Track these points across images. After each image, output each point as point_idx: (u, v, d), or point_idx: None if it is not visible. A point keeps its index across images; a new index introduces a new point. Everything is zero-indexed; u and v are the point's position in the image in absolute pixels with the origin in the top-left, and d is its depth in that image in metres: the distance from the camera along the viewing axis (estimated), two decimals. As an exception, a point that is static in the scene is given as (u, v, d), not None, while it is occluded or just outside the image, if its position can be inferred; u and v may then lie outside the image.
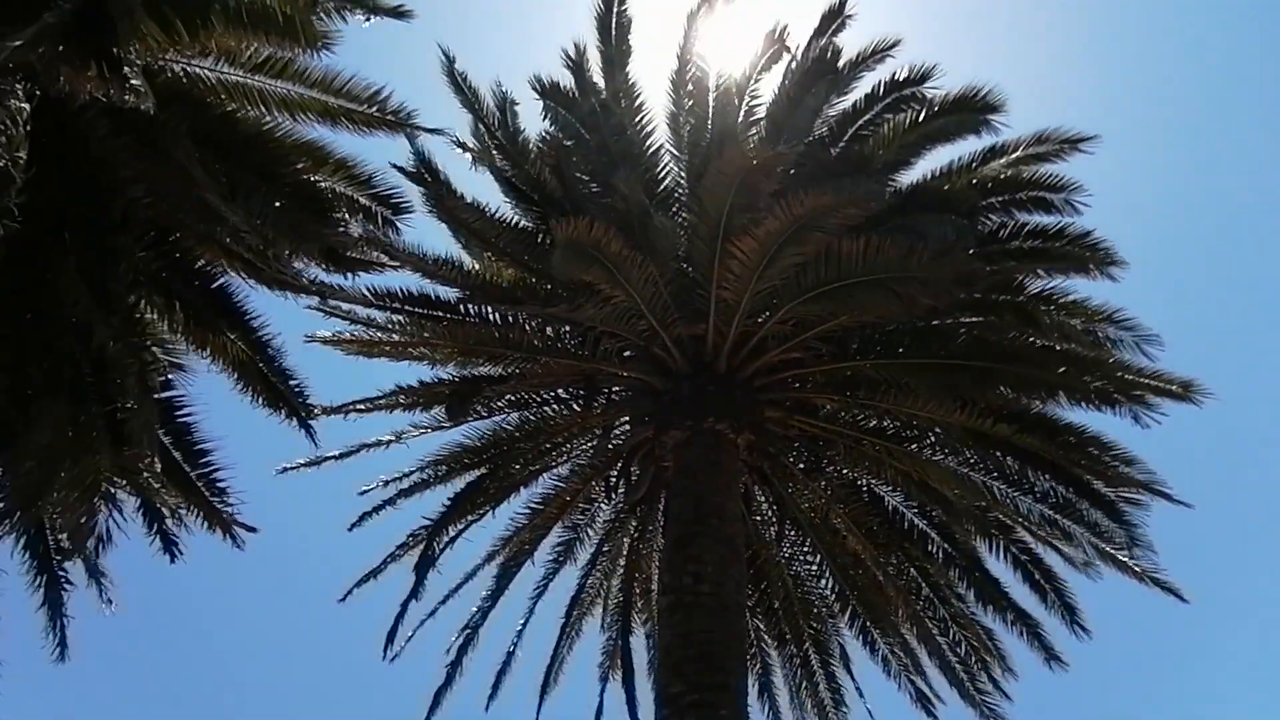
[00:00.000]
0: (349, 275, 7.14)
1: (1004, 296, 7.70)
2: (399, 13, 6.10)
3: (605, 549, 9.67)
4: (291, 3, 5.11)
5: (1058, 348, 7.68)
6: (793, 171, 7.41)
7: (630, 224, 6.84)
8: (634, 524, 9.33)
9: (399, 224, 7.33)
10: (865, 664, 9.09)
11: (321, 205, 6.43)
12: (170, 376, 6.56)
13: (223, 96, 6.31)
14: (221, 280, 6.71)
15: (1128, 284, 7.75)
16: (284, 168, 6.21)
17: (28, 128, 4.27)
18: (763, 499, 8.80)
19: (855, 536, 8.28)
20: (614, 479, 9.02)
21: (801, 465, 8.46)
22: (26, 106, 4.34)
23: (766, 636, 9.33)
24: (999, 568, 8.31)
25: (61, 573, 6.83)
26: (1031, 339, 7.72)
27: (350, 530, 8.68)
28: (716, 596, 6.74)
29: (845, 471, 8.48)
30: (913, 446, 7.94)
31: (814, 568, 8.88)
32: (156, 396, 6.06)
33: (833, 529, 8.43)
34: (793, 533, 8.80)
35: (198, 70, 6.15)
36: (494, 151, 8.02)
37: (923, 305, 7.02)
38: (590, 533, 9.58)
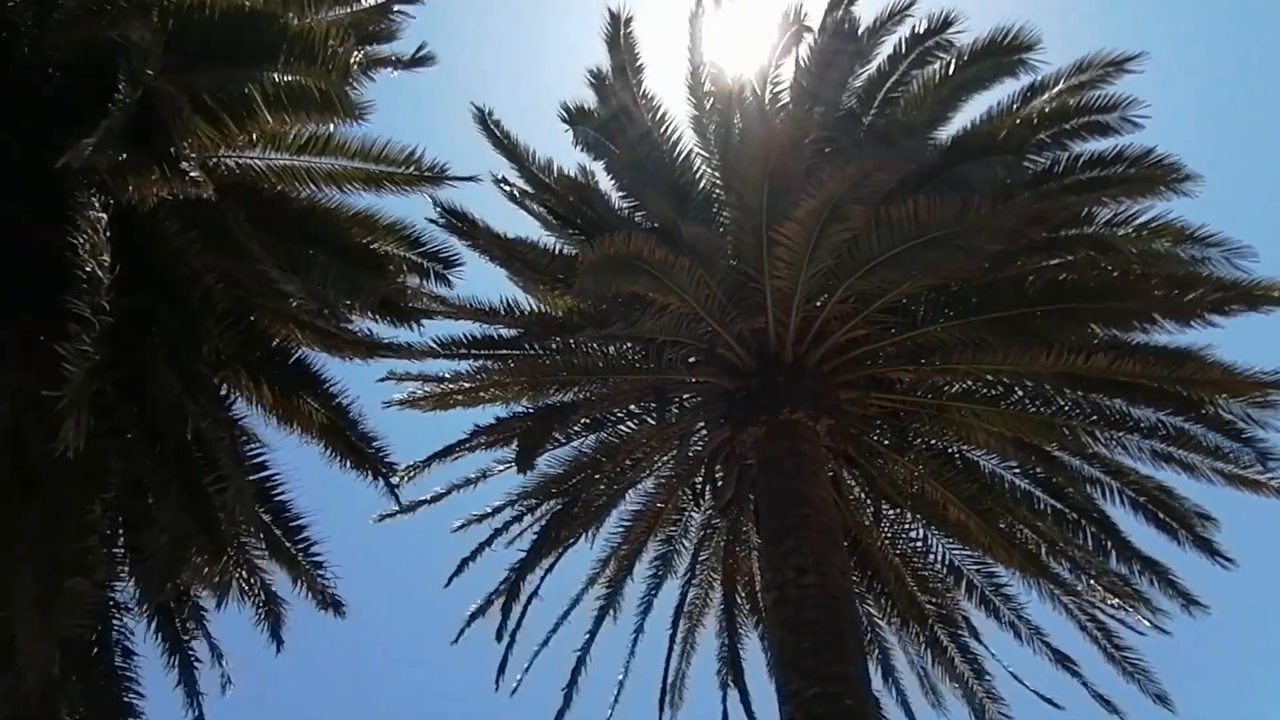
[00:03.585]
0: (413, 327, 7.43)
1: (1073, 231, 7.34)
2: (421, 60, 6.54)
3: (702, 557, 9.65)
4: (326, 78, 5.42)
5: (1141, 273, 7.26)
6: (827, 150, 7.33)
7: (671, 232, 6.89)
8: (726, 527, 9.28)
9: (451, 277, 7.66)
10: (994, 634, 8.74)
11: (377, 264, 6.76)
12: (264, 458, 6.97)
13: (273, 180, 6.76)
14: (298, 353, 7.11)
15: (1209, 199, 7.27)
16: (337, 237, 6.57)
17: (108, 234, 4.66)
18: (853, 482, 8.61)
19: (956, 506, 7.98)
20: (699, 485, 9.01)
21: (886, 442, 8.24)
22: (104, 215, 4.74)
23: (880, 621, 9.08)
24: (1118, 513, 7.86)
25: (190, 651, 7.27)
26: (1110, 269, 7.33)
27: (448, 584, 8.91)
28: (821, 587, 6.61)
29: (934, 442, 8.22)
30: (1002, 404, 7.63)
31: (919, 544, 8.61)
32: (252, 477, 6.47)
33: (931, 502, 8.16)
34: (891, 511, 8.57)
35: (248, 161, 6.61)
36: (530, 185, 8.23)
37: (987, 256, 6.77)
38: (685, 543, 9.58)
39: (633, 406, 8.82)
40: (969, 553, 8.38)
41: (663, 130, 7.99)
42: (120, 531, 6.03)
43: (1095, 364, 6.79)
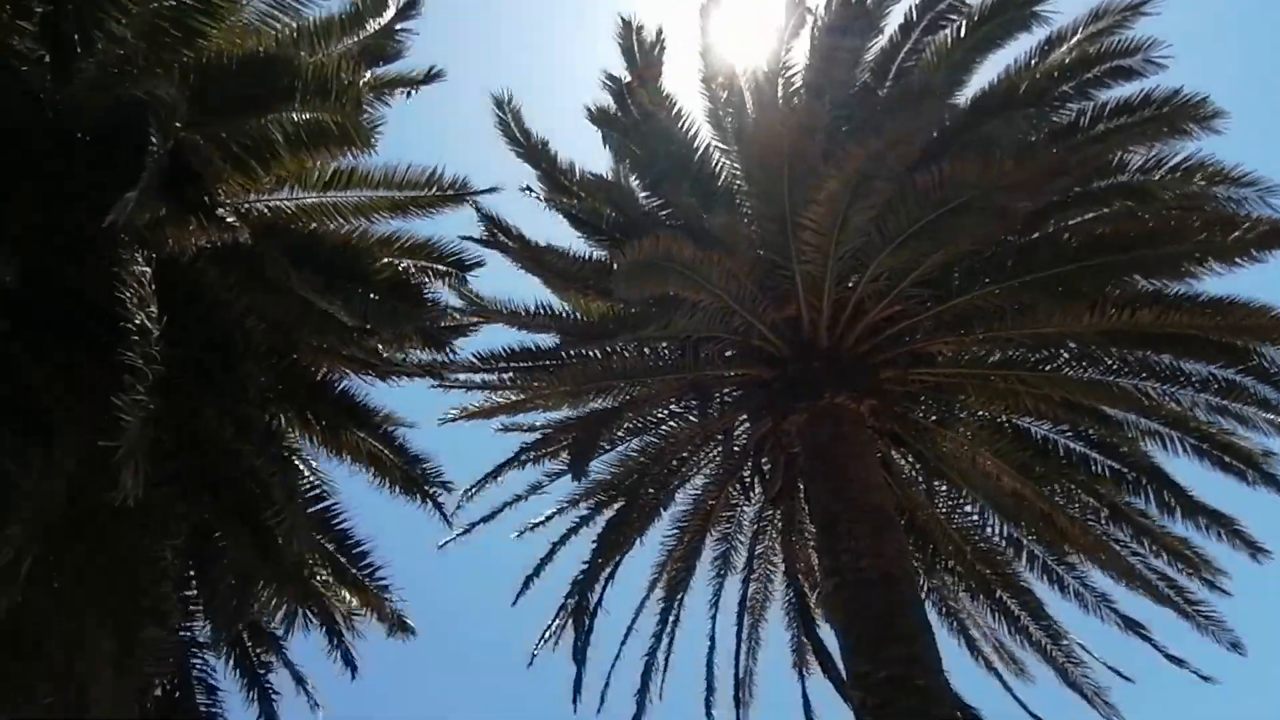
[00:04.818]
0: (451, 346, 7.53)
1: (1106, 181, 7.16)
2: (432, 77, 6.71)
3: (758, 550, 9.62)
4: (341, 110, 5.52)
5: (1180, 217, 7.06)
6: (844, 129, 7.24)
7: (697, 228, 6.87)
8: (779, 518, 9.23)
9: (471, 279, 7.75)
10: (1058, 604, 8.58)
11: (411, 289, 6.86)
12: (322, 489, 7.12)
13: (304, 219, 6.91)
14: (342, 385, 7.25)
15: (1236, 140, 7.04)
16: (371, 267, 6.68)
17: (153, 286, 4.80)
18: (903, 461, 8.50)
19: (1010, 475, 7.84)
20: (748, 478, 8.98)
21: (934, 418, 8.13)
22: (148, 269, 4.88)
23: (953, 595, 8.97)
24: (1178, 466, 7.66)
25: (268, 684, 7.45)
26: (1148, 217, 7.13)
27: (515, 603, 8.99)
28: (880, 569, 6.55)
29: (981, 413, 8.08)
30: (1048, 368, 7.47)
31: (975, 518, 8.47)
32: (311, 509, 6.62)
33: (984, 473, 8.02)
34: (943, 487, 8.44)
35: (278, 203, 6.76)
36: (555, 191, 8.26)
37: (1019, 216, 6.63)
38: (741, 538, 9.57)
39: (674, 406, 8.82)
40: (1027, 522, 8.22)
41: (680, 127, 7.98)
42: (191, 574, 6.18)
43: (1141, 319, 6.61)
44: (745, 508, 9.36)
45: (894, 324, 7.47)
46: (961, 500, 8.53)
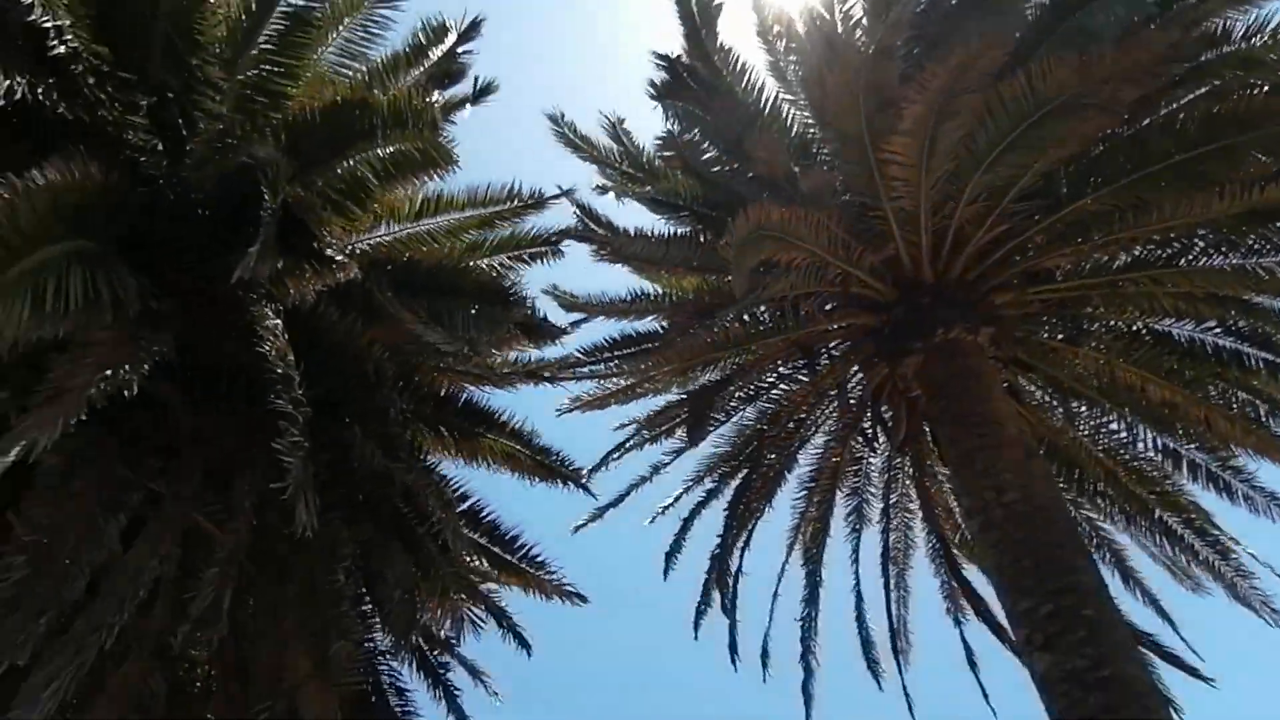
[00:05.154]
0: (555, 337, 7.79)
1: (1211, 54, 6.53)
2: (485, 92, 7.10)
3: (893, 500, 9.44)
4: (420, 136, 5.82)
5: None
6: (916, 50, 6.92)
7: (777, 184, 6.77)
8: (910, 464, 9.03)
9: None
10: (1225, 511, 8.00)
11: (503, 290, 7.15)
12: (464, 489, 7.57)
13: (401, 248, 7.31)
14: (465, 396, 7.64)
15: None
16: (467, 281, 7.00)
17: (286, 336, 5.23)
18: (1033, 387, 8.11)
19: (1157, 384, 7.33)
20: (869, 430, 8.82)
21: (1060, 337, 7.70)
22: (279, 321, 5.32)
23: (1104, 523, 8.52)
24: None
25: (448, 680, 7.99)
26: (1262, 86, 6.46)
27: (666, 577, 9.22)
28: (1026, 500, 6.28)
29: (1114, 323, 7.58)
30: (1181, 263, 6.93)
31: (1122, 434, 7.99)
32: (459, 511, 7.05)
33: (1126, 387, 7.54)
34: (1083, 408, 8.00)
35: (377, 240, 7.20)
36: (628, 180, 8.34)
37: (1123, 106, 6.14)
38: (871, 490, 9.43)
39: (781, 368, 8.77)
40: (1183, 431, 7.68)
41: (745, 86, 7.86)
42: (364, 590, 6.70)
43: (1273, 194, 6.01)
44: (872, 459, 9.21)
45: (1001, 245, 7.11)
46: (1105, 419, 8.06)
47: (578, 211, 8.06)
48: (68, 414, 4.20)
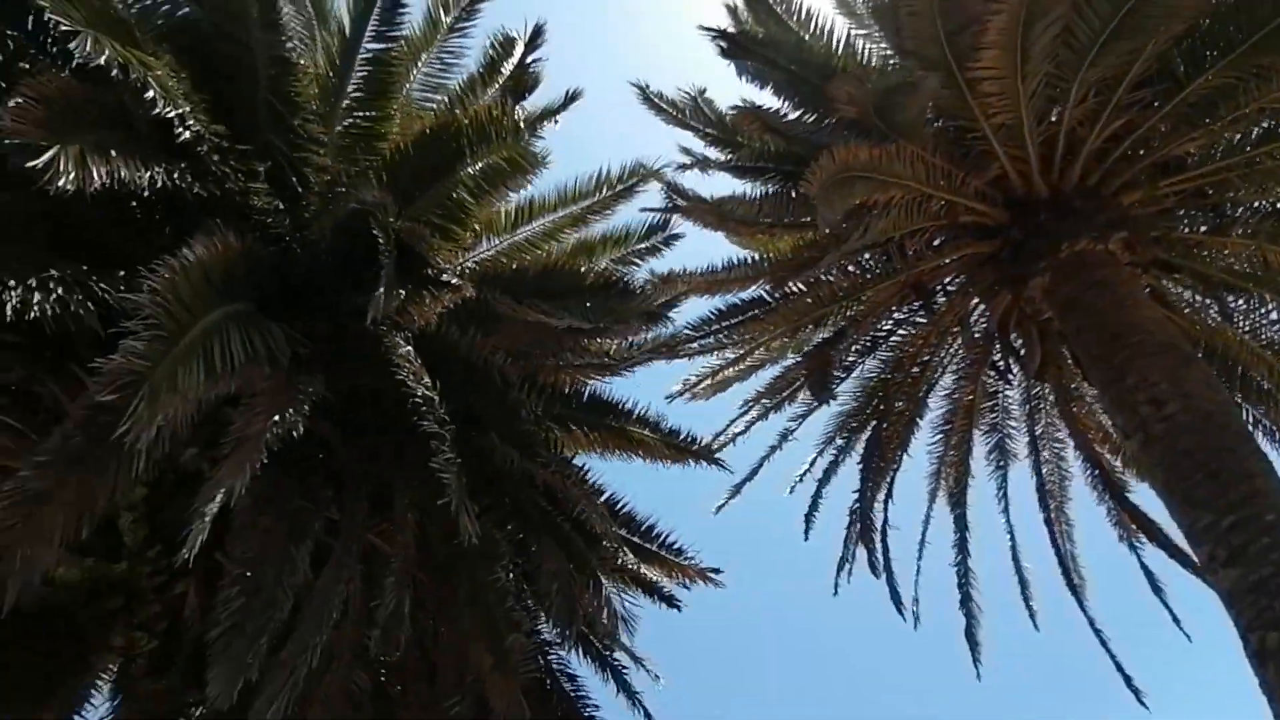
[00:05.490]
0: (667, 318, 7.92)
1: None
2: (574, 99, 7.24)
3: (1038, 430, 9.03)
4: (505, 145, 6.05)
5: None
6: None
7: (863, 124, 6.57)
8: (1052, 391, 8.59)
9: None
10: None
11: (615, 282, 7.32)
12: (599, 483, 7.82)
13: (506, 260, 7.61)
14: (587, 390, 7.89)
15: None
16: (576, 279, 7.22)
17: (418, 360, 5.60)
18: (1179, 287, 7.53)
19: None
20: (999, 362, 8.46)
21: (1203, 228, 7.10)
22: (410, 348, 5.69)
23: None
24: None
25: (615, 661, 8.31)
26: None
27: (806, 538, 9.23)
28: (1188, 410, 5.87)
29: (1258, 204, 6.93)
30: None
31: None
32: (600, 500, 7.30)
33: (1283, 269, 6.87)
34: (1239, 302, 7.35)
35: (482, 256, 7.55)
36: (716, 146, 8.31)
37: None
38: (1013, 424, 9.05)
39: (896, 314, 8.54)
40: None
41: (814, 31, 7.67)
42: (524, 586, 7.07)
43: None
44: (1008, 392, 8.83)
45: (1121, 142, 6.64)
46: (1265, 309, 7.39)
47: (665, 189, 8.11)
48: (251, 460, 4.66)
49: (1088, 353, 6.88)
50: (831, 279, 8.02)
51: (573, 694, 7.79)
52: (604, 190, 7.69)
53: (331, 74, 6.48)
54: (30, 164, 4.01)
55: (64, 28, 4.42)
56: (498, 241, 7.62)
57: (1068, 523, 9.09)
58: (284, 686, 4.89)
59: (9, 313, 4.18)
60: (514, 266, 7.45)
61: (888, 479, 9.13)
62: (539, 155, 6.68)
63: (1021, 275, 7.00)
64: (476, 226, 7.12)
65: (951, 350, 8.64)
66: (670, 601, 8.22)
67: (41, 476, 4.23)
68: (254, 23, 5.57)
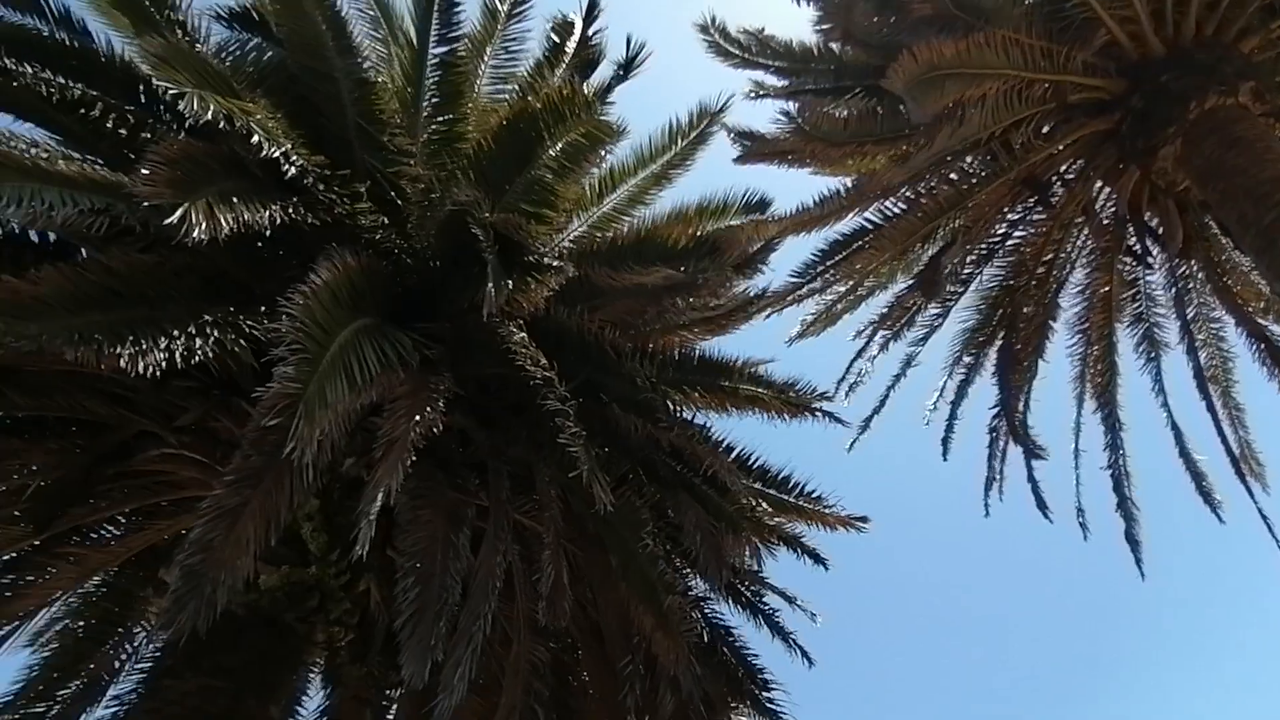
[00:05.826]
0: (762, 266, 7.81)
1: None
2: (632, 64, 7.30)
3: (1189, 313, 8.33)
4: (580, 120, 6.12)
5: None
6: None
7: (945, 19, 6.18)
8: (1196, 269, 7.88)
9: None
10: None
11: (708, 240, 7.27)
12: (730, 440, 7.88)
13: (596, 234, 7.73)
14: (697, 351, 7.92)
15: None
16: (668, 243, 7.23)
17: (533, 344, 5.81)
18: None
19: None
20: (1134, 245, 7.84)
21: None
22: (524, 334, 5.91)
23: None
24: None
25: (764, 605, 8.41)
26: None
27: (945, 458, 8.96)
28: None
29: None
30: None
31: None
32: (730, 457, 7.37)
33: None
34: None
35: (575, 235, 7.69)
36: (791, 75, 8.07)
37: None
38: (1159, 311, 8.40)
39: (1010, 214, 8.06)
40: None
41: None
42: (668, 547, 7.25)
43: None
44: (1150, 276, 8.19)
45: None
46: None
47: (737, 139, 7.94)
48: (402, 459, 5.00)
49: (1236, 218, 6.27)
50: (934, 190, 7.64)
51: (733, 644, 7.97)
52: (679, 141, 7.63)
53: (407, 85, 6.73)
54: (166, 222, 4.39)
55: (172, 92, 4.82)
56: (587, 216, 7.74)
57: (1238, 408, 8.37)
58: (465, 654, 5.27)
59: (178, 360, 4.63)
60: (607, 238, 7.56)
61: (1025, 389, 8.69)
62: (614, 126, 6.72)
63: (1150, 146, 6.44)
64: (566, 206, 7.25)
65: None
66: (817, 558, 8.21)
67: (231, 494, 4.70)
68: (330, 51, 5.86)
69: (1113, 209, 7.43)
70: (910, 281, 8.66)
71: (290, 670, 6.57)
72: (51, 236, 5.55)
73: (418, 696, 7.64)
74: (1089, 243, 7.96)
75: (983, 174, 7.64)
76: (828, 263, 8.49)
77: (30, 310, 4.10)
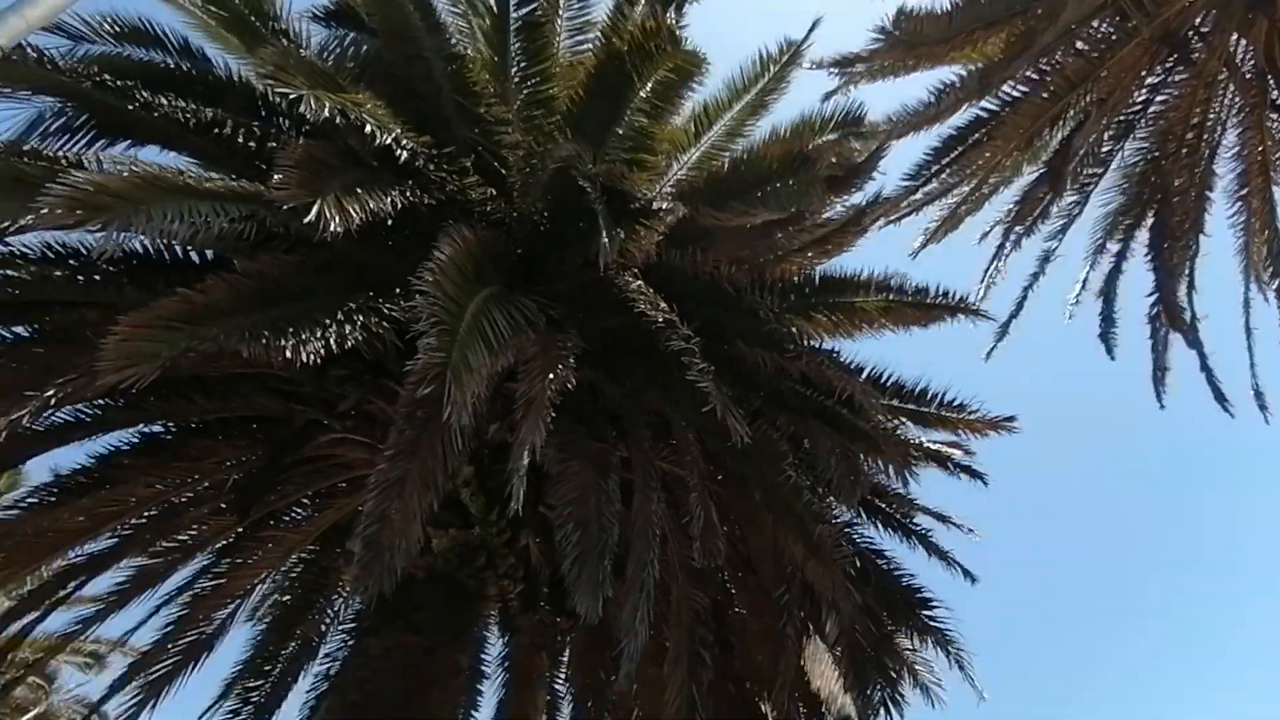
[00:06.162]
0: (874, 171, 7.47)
1: None
2: None
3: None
4: (665, 55, 6.02)
5: None
6: None
7: None
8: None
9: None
10: None
11: (804, 154, 7.04)
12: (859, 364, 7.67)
13: (698, 171, 7.62)
14: (817, 273, 7.72)
15: None
16: (766, 162, 7.05)
17: (651, 290, 5.86)
18: None
19: None
20: (1278, 99, 6.89)
21: None
22: (640, 281, 5.96)
23: None
24: None
25: (915, 526, 8.23)
26: None
27: (1113, 356, 8.36)
28: None
29: None
30: None
31: None
32: (861, 377, 7.20)
33: None
34: None
35: (677, 177, 7.64)
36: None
37: None
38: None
39: (1149, 79, 7.27)
40: None
41: None
42: (811, 476, 7.19)
43: None
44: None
45: None
46: None
47: (833, 68, 7.53)
48: (542, 416, 5.19)
49: None
50: (1060, 65, 6.97)
51: (886, 568, 7.87)
52: (771, 67, 7.35)
53: (493, 53, 6.81)
54: (305, 221, 4.70)
55: (290, 96, 5.11)
56: (686, 157, 7.63)
57: None
58: (640, 599, 5.49)
59: (334, 346, 4.99)
60: (709, 175, 7.43)
61: (1186, 268, 7.92)
62: (699, 56, 6.55)
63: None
64: (664, 149, 7.18)
65: (1225, 102, 7.19)
66: (967, 470, 7.95)
67: (393, 467, 5.06)
68: (419, 31, 6.00)
69: (1252, 62, 6.53)
70: (1039, 171, 8.02)
71: (471, 623, 7.11)
72: (209, 254, 6.09)
73: (587, 640, 8.08)
74: (1236, 100, 7.05)
75: (1113, 38, 6.89)
76: (943, 161, 7.98)
77: (206, 316, 4.53)
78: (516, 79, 6.82)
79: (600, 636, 7.96)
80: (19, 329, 5.96)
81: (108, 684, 8.31)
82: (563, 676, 8.82)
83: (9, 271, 5.64)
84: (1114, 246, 8.28)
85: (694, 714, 5.86)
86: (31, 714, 13.58)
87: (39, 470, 7.01)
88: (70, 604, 7.63)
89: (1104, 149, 7.62)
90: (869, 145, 7.78)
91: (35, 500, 6.73)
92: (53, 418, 6.02)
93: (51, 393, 4.64)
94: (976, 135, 7.61)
